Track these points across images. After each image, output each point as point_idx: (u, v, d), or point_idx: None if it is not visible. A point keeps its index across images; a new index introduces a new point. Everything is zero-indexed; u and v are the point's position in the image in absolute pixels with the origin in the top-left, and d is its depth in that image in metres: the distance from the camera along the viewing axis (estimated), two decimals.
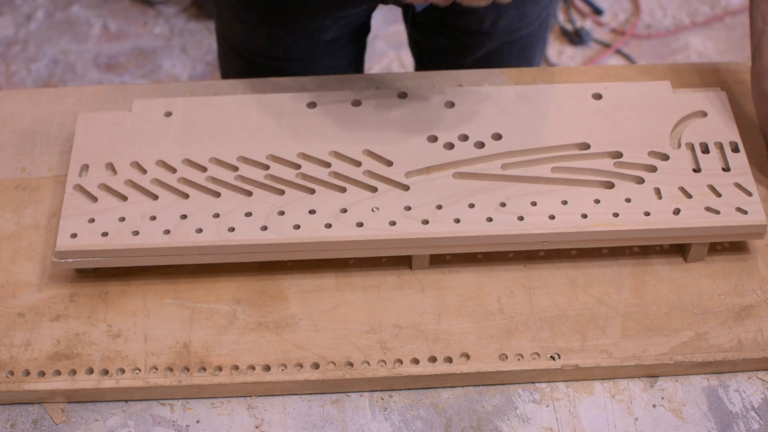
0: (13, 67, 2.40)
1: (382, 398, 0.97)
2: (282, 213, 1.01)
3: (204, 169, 1.04)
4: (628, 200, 1.01)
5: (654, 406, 0.96)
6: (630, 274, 1.03)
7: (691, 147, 1.06)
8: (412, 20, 1.36)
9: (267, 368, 0.97)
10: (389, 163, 1.05)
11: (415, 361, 0.97)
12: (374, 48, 2.44)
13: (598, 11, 2.54)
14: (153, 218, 1.00)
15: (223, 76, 1.47)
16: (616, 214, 1.00)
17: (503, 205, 1.01)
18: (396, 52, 2.46)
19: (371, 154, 1.05)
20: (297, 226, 1.00)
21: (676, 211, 1.01)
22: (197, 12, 2.52)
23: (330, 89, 1.18)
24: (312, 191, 1.03)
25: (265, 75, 1.30)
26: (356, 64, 1.44)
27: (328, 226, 1.00)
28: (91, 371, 0.97)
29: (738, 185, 1.02)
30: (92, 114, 1.10)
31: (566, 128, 1.07)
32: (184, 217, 1.01)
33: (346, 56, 1.39)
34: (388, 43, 2.48)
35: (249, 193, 1.02)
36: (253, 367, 0.97)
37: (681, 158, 1.05)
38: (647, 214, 1.00)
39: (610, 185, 1.03)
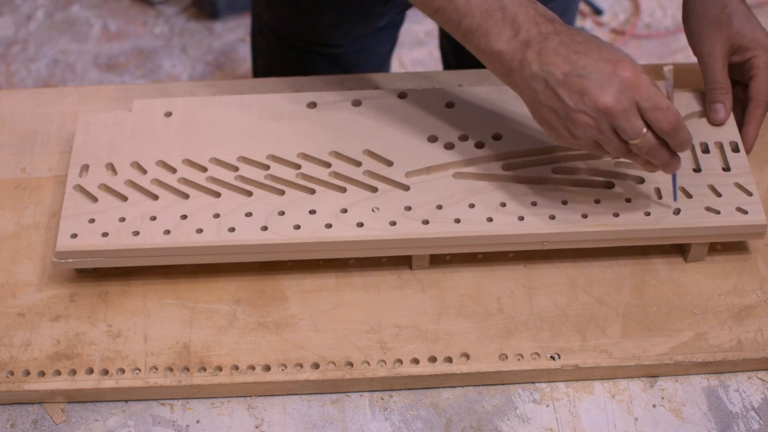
0: (13, 67, 2.40)
1: (382, 398, 0.97)
2: (282, 213, 1.01)
3: (204, 170, 1.04)
4: (628, 200, 1.01)
5: (654, 406, 0.96)
6: (630, 274, 1.03)
7: (691, 147, 1.06)
8: None
9: (267, 368, 0.97)
10: (389, 163, 1.05)
11: (415, 361, 0.97)
12: None
13: (598, 11, 2.54)
14: (153, 218, 1.00)
15: (258, 72, 1.48)
16: (616, 214, 1.00)
17: (503, 205, 1.01)
18: (396, 52, 2.46)
19: (371, 154, 1.05)
20: (297, 226, 1.00)
21: (677, 211, 1.01)
22: (197, 12, 2.52)
23: (330, 89, 1.18)
24: (312, 191, 1.03)
25: (317, 64, 1.34)
26: (390, 53, 1.47)
27: (329, 226, 1.00)
28: (91, 371, 0.97)
29: (738, 185, 1.02)
30: (92, 114, 1.10)
31: None
32: (184, 217, 1.01)
33: (389, 43, 1.43)
34: None
35: (249, 194, 1.02)
36: (253, 367, 0.97)
37: (681, 158, 1.05)
38: (647, 214, 1.00)
39: (610, 185, 1.03)
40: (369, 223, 1.00)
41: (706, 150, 1.06)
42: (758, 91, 1.05)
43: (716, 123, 1.06)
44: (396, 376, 0.96)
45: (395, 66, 2.43)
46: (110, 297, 1.02)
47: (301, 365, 0.97)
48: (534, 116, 0.93)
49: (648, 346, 0.98)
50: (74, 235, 0.99)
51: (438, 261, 1.04)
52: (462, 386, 0.98)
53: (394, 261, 1.04)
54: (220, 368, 0.97)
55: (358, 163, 1.05)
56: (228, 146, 1.06)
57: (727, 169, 1.04)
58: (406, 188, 1.03)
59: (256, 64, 1.50)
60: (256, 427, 0.95)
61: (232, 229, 0.99)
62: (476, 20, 0.91)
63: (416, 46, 2.46)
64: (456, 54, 1.53)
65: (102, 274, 1.03)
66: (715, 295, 1.01)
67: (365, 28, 1.35)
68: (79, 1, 2.55)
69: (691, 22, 1.07)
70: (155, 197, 1.02)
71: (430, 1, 0.92)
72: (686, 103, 1.09)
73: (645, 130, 0.90)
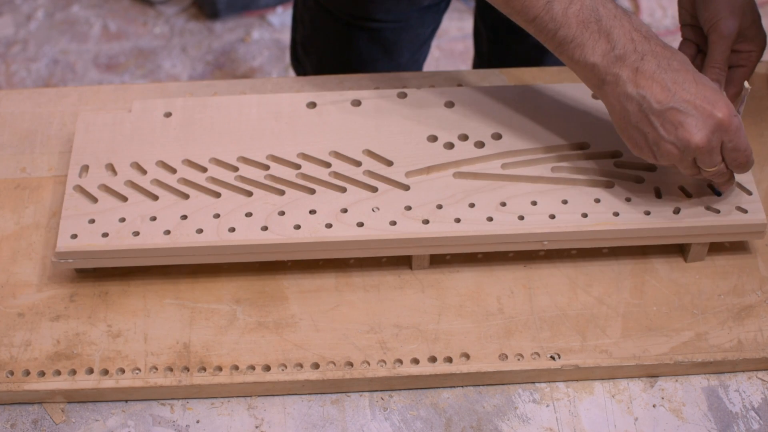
0: (13, 67, 2.40)
1: (382, 398, 0.97)
2: (282, 213, 1.01)
3: (204, 170, 1.05)
4: (628, 200, 1.01)
5: (654, 406, 0.96)
6: (630, 274, 1.03)
7: None
8: None
9: (267, 368, 0.97)
10: (389, 163, 1.05)
11: (415, 361, 0.97)
12: None
13: None
14: (153, 219, 1.00)
15: (297, 43, 1.49)
16: (616, 214, 1.00)
17: (503, 204, 1.01)
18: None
19: (371, 154, 1.05)
20: (297, 226, 1.00)
21: (676, 211, 1.01)
22: (197, 12, 2.52)
23: (330, 89, 1.18)
24: (312, 191, 1.03)
25: (357, 39, 1.36)
26: (431, 37, 1.48)
27: (329, 226, 1.00)
28: (91, 371, 0.97)
29: (738, 184, 1.02)
30: (92, 114, 1.10)
31: (566, 128, 1.07)
32: (184, 217, 1.01)
33: (431, 25, 1.44)
34: None
35: (249, 194, 1.02)
36: (253, 367, 0.97)
37: None
38: (647, 213, 1.00)
39: (610, 185, 1.03)
40: (369, 223, 1.00)
41: None
42: (740, 81, 1.10)
43: None
44: (396, 376, 0.96)
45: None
46: (110, 297, 1.02)
47: (301, 365, 0.97)
48: (618, 130, 0.96)
49: (648, 346, 0.98)
50: (74, 236, 0.99)
51: (438, 261, 1.04)
52: (462, 386, 0.98)
53: (394, 261, 1.04)
54: (220, 368, 0.97)
55: (358, 163, 1.05)
56: (228, 146, 1.06)
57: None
58: (406, 188, 1.03)
59: (296, 35, 1.51)
60: (256, 427, 0.95)
61: (232, 229, 0.99)
62: (572, 31, 0.92)
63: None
64: (489, 40, 1.54)
65: (102, 274, 1.03)
66: (715, 295, 1.01)
67: (409, 5, 1.36)
68: (79, 1, 2.55)
69: (714, 2, 1.09)
70: (155, 197, 1.02)
71: (527, 9, 0.93)
72: None
73: (720, 162, 0.95)
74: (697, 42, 1.12)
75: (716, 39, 1.08)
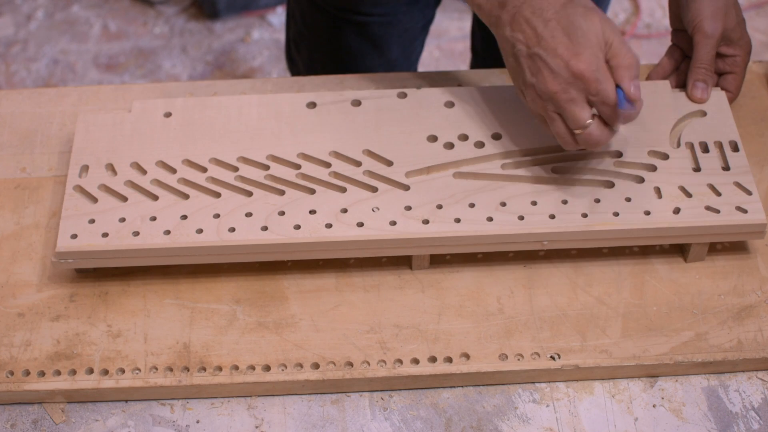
0: (13, 67, 2.40)
1: (382, 398, 0.97)
2: (282, 213, 1.01)
3: (204, 170, 1.05)
4: (628, 199, 1.01)
5: (654, 406, 0.96)
6: (630, 274, 1.03)
7: (691, 146, 1.06)
8: None
9: (267, 368, 0.97)
10: (389, 163, 1.05)
11: (415, 361, 0.97)
12: None
13: None
14: (153, 219, 1.01)
15: (290, 39, 1.50)
16: (616, 214, 1.00)
17: (503, 204, 1.01)
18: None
19: (371, 154, 1.05)
20: (297, 226, 1.00)
21: (676, 211, 1.01)
22: (197, 12, 2.52)
23: (330, 89, 1.18)
24: (312, 191, 1.03)
25: (346, 33, 1.37)
26: (423, 34, 1.48)
27: (329, 226, 1.00)
28: (91, 371, 0.97)
29: (738, 184, 1.02)
30: (92, 114, 1.10)
31: None
32: (184, 217, 1.01)
33: (421, 21, 1.45)
34: None
35: (249, 194, 1.02)
36: (253, 367, 0.97)
37: (681, 157, 1.05)
38: (647, 213, 1.00)
39: (610, 185, 1.03)
40: (369, 223, 1.00)
41: (705, 149, 1.06)
42: (735, 87, 1.13)
43: (695, 99, 1.10)
44: (396, 376, 0.96)
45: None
46: (110, 297, 1.02)
47: (301, 365, 0.97)
48: (508, 70, 1.00)
49: (648, 346, 0.98)
50: (74, 236, 0.99)
51: (438, 261, 1.04)
52: (462, 386, 0.98)
53: (394, 261, 1.04)
54: (220, 368, 0.97)
55: (358, 163, 1.05)
56: (228, 146, 1.06)
57: (726, 168, 1.04)
58: (406, 188, 1.03)
59: (289, 32, 1.52)
60: (256, 427, 0.95)
61: (232, 230, 1.00)
62: None
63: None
64: (484, 39, 1.55)
65: (102, 274, 1.03)
66: (715, 295, 1.01)
67: None
68: (79, 1, 2.55)
69: (696, 2, 1.09)
70: (155, 197, 1.02)
71: None
72: (686, 102, 1.10)
73: (590, 121, 0.95)
74: (684, 47, 1.13)
75: (700, 39, 1.08)
